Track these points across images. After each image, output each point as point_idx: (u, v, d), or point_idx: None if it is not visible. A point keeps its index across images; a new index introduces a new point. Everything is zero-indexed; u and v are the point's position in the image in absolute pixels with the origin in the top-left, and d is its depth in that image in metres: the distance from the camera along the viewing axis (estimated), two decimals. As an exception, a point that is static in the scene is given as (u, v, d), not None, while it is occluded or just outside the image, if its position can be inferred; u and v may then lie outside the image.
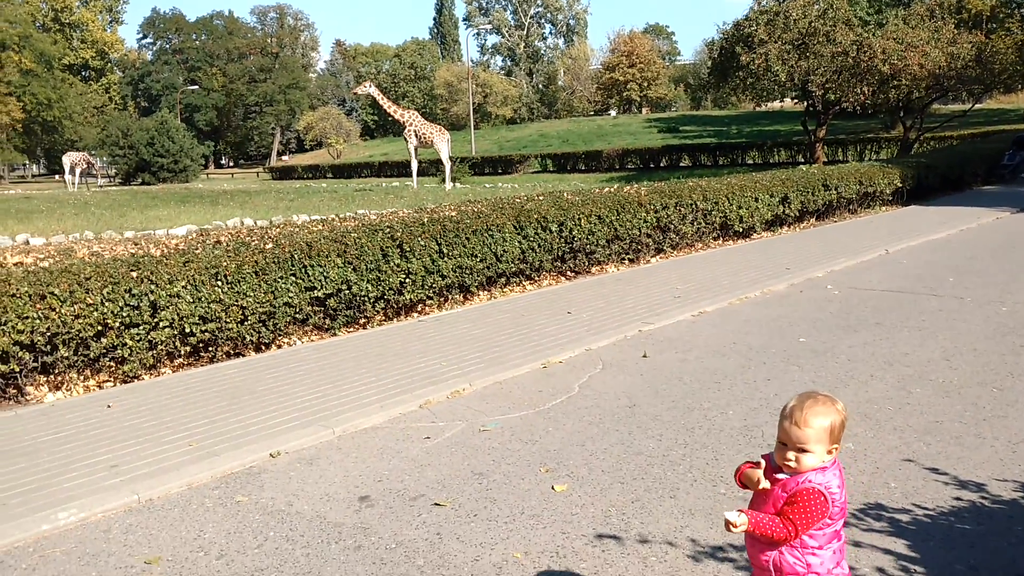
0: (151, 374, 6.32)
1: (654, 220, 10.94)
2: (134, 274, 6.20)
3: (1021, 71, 28.00)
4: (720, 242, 12.60)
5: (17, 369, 5.63)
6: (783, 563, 2.28)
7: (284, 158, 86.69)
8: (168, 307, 6.21)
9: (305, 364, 6.43)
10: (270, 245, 7.26)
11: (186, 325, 6.31)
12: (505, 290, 9.26)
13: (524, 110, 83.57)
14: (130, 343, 6.07)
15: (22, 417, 5.38)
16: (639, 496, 3.96)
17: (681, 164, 42.61)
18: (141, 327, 6.11)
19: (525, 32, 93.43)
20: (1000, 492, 3.87)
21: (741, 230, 12.71)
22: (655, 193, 11.26)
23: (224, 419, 5.15)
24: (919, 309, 7.83)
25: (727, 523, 2.22)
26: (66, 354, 5.80)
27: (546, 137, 60.69)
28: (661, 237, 11.30)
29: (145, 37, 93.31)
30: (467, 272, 8.53)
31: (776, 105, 58.69)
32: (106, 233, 15.54)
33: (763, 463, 2.33)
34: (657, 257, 11.37)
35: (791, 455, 2.24)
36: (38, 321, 5.60)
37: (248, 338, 6.79)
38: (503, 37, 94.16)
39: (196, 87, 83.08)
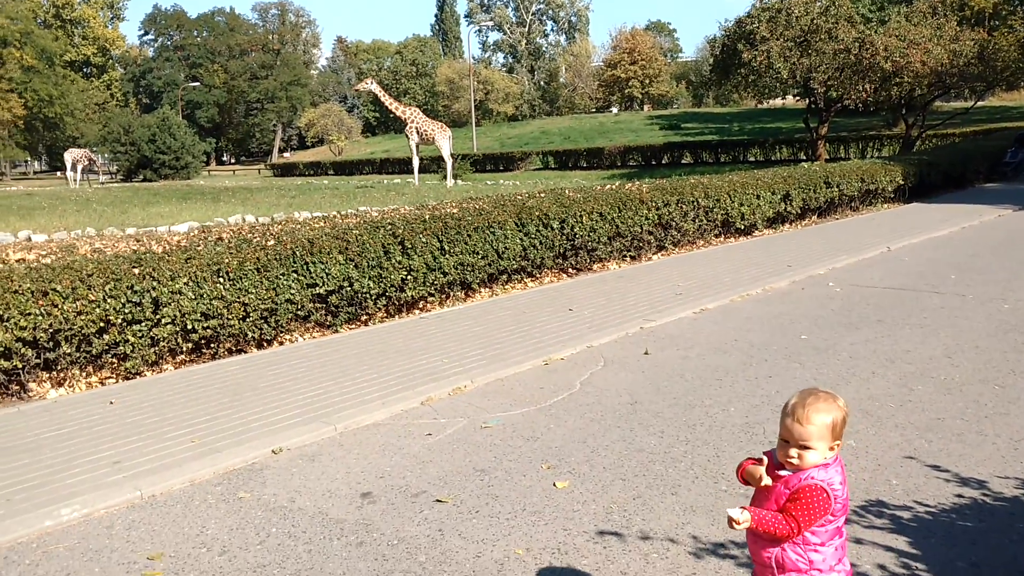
0: (153, 371, 6.33)
1: (656, 217, 10.93)
2: (136, 271, 6.20)
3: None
4: (722, 239, 12.60)
5: (20, 365, 5.64)
6: (785, 559, 2.28)
7: (286, 155, 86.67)
8: (170, 304, 6.21)
9: (307, 361, 6.43)
10: (272, 242, 7.27)
11: (188, 322, 6.32)
12: (507, 287, 9.26)
13: (526, 107, 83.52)
14: (132, 340, 6.07)
15: (25, 413, 5.39)
16: (640, 493, 3.96)
17: (683, 161, 42.57)
18: (143, 324, 6.12)
19: (527, 29, 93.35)
20: (1001, 489, 3.88)
21: (743, 227, 12.71)
22: (657, 190, 11.26)
23: (226, 415, 5.15)
24: (921, 306, 7.83)
25: (730, 520, 2.22)
26: (68, 350, 5.81)
27: (548, 134, 60.63)
28: (663, 234, 11.30)
29: (146, 33, 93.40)
30: (469, 269, 8.53)
31: (778, 102, 58.65)
32: (108, 230, 15.56)
33: (765, 460, 2.33)
34: (659, 254, 11.37)
35: (793, 452, 2.24)
36: (40, 317, 5.61)
37: (250, 335, 6.80)
38: (505, 34, 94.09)
39: (197, 84, 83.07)
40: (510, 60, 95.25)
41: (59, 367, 5.91)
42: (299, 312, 7.12)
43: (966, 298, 8.13)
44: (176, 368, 6.45)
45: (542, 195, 10.56)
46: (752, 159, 39.98)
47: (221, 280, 6.55)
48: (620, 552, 3.40)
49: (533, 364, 6.24)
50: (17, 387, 5.78)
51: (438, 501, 3.95)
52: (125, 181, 56.22)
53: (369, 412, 5.17)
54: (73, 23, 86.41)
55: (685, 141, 45.67)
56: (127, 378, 6.17)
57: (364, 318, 7.80)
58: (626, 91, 78.41)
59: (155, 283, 6.18)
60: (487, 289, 9.08)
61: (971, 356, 6.12)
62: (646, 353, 6.50)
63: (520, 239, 9.09)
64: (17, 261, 7.99)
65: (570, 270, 10.17)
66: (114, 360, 6.13)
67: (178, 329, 6.31)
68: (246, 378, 5.99)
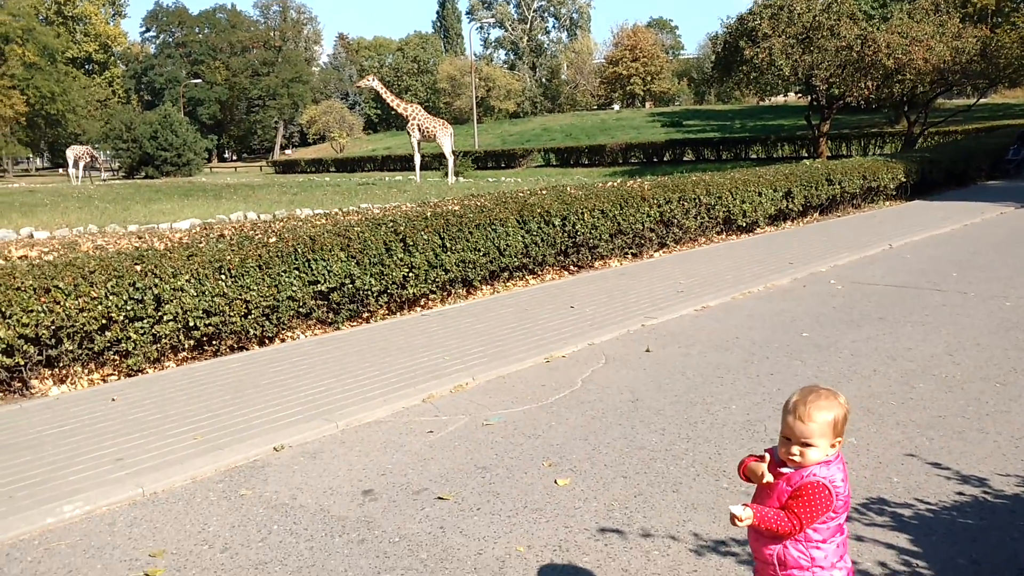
0: (155, 368, 6.33)
1: (657, 215, 10.93)
2: (138, 268, 6.21)
3: (1026, 65, 27.86)
4: (723, 237, 12.59)
5: (22, 362, 5.65)
6: (787, 557, 2.29)
7: (287, 152, 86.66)
8: (172, 301, 6.22)
9: (308, 358, 6.44)
10: (273, 239, 7.27)
11: (190, 319, 6.32)
12: (508, 284, 9.26)
13: (527, 104, 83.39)
14: (134, 337, 6.08)
15: (27, 410, 5.40)
16: (642, 490, 3.97)
17: (684, 159, 42.50)
18: (145, 321, 6.13)
19: (528, 26, 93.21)
20: (1002, 487, 3.88)
21: (744, 225, 12.70)
22: (658, 187, 11.25)
23: (228, 413, 5.16)
24: (922, 304, 7.82)
25: (732, 517, 2.22)
26: (70, 347, 5.82)
27: (549, 131, 60.56)
28: (664, 232, 11.30)
29: (148, 31, 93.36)
30: (470, 266, 8.53)
31: (780, 99, 58.56)
32: (110, 227, 15.58)
33: (767, 457, 2.34)
34: (660, 252, 11.36)
35: (795, 449, 2.24)
36: (43, 314, 5.62)
37: (252, 332, 6.80)
38: (506, 31, 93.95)
39: (199, 81, 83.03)
40: (512, 57, 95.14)
41: (61, 364, 5.92)
42: (301, 309, 7.13)
43: (968, 296, 8.12)
44: (178, 365, 6.46)
45: (544, 192, 10.56)
46: (754, 156, 39.90)
47: (223, 277, 6.55)
48: (621, 549, 3.41)
49: (535, 361, 6.24)
50: (19, 384, 5.79)
51: (439, 498, 3.96)
52: (127, 178, 56.30)
53: (371, 409, 5.18)
54: (75, 20, 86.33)
55: (687, 138, 45.58)
56: (129, 375, 6.18)
57: (366, 315, 7.80)
58: (628, 88, 78.25)
59: (157, 280, 6.19)
60: (489, 286, 9.08)
61: (972, 354, 6.12)
62: (647, 350, 6.50)
63: (522, 236, 9.09)
64: (20, 258, 8.00)
65: (572, 267, 10.17)
66: (116, 357, 6.14)
67: (180, 326, 6.31)
68: (248, 375, 6.00)
